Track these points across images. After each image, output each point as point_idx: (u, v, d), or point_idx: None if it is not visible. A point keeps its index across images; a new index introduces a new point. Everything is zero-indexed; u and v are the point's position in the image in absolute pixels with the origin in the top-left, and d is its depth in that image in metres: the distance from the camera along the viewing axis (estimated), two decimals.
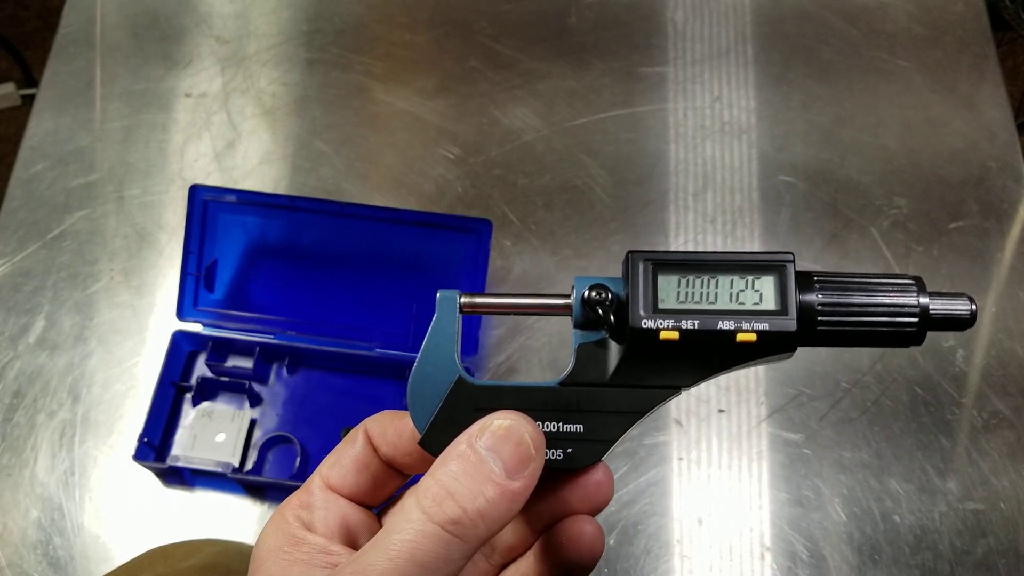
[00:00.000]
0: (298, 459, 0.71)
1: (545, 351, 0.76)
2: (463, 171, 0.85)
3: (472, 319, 0.71)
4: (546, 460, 0.34)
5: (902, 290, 0.33)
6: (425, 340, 0.35)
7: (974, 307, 0.34)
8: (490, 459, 0.32)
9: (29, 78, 1.78)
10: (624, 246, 0.81)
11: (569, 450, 0.35)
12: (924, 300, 0.33)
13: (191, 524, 0.70)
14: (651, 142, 0.87)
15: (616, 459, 0.72)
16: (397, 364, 0.73)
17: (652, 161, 0.86)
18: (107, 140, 0.87)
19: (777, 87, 0.90)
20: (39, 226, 0.82)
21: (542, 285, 0.79)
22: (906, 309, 0.33)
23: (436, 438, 0.34)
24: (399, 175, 0.85)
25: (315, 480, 0.37)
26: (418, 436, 0.35)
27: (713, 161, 0.86)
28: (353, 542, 0.35)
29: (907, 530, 0.69)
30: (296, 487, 0.73)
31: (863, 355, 0.76)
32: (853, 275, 0.34)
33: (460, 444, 0.32)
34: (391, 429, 0.36)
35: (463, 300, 0.36)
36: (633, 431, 0.76)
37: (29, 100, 1.74)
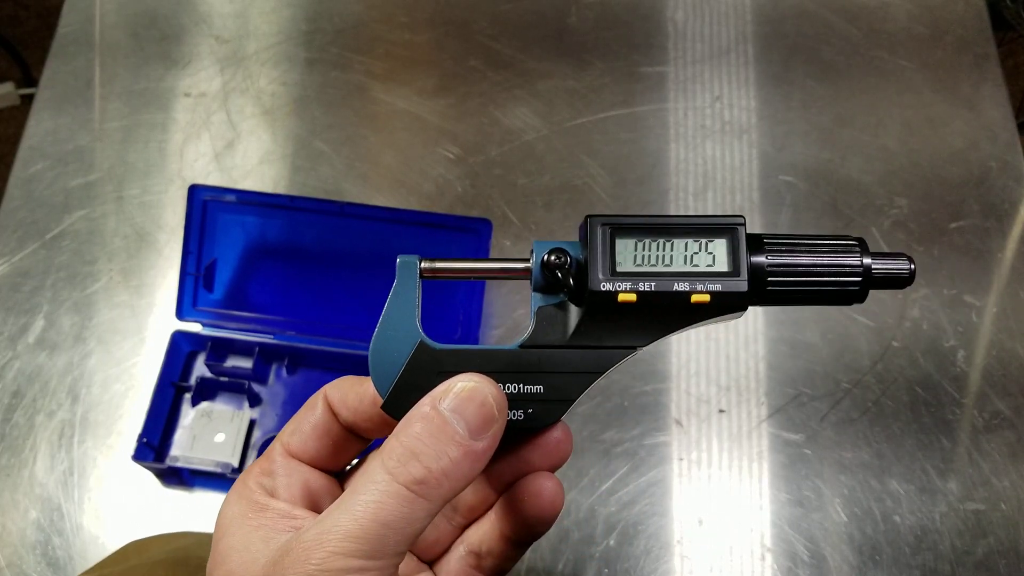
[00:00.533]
0: None
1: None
2: (463, 171, 0.85)
3: (472, 320, 0.71)
4: (508, 421, 0.35)
5: (846, 251, 0.35)
6: (386, 306, 0.36)
7: (912, 266, 0.36)
8: (454, 420, 0.32)
9: (28, 78, 1.78)
10: None
11: (530, 410, 0.35)
12: (867, 260, 0.35)
13: (190, 524, 0.69)
14: (651, 142, 0.87)
15: (616, 459, 0.72)
16: None
17: (652, 161, 0.86)
18: (106, 140, 0.87)
19: (777, 87, 0.90)
20: (38, 226, 0.82)
21: None
22: (850, 269, 0.35)
23: (399, 402, 0.34)
24: (399, 175, 0.85)
25: (276, 447, 0.37)
26: (379, 401, 0.35)
27: (713, 161, 0.86)
28: (316, 507, 0.36)
29: (908, 530, 0.69)
30: None
31: (863, 355, 0.76)
32: (800, 236, 0.35)
33: (424, 406, 0.33)
34: (352, 394, 0.37)
35: (423, 265, 0.36)
36: (633, 431, 0.76)
37: (28, 100, 1.74)
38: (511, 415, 0.35)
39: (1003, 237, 0.82)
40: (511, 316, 0.77)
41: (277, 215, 0.72)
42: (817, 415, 0.73)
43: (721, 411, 0.74)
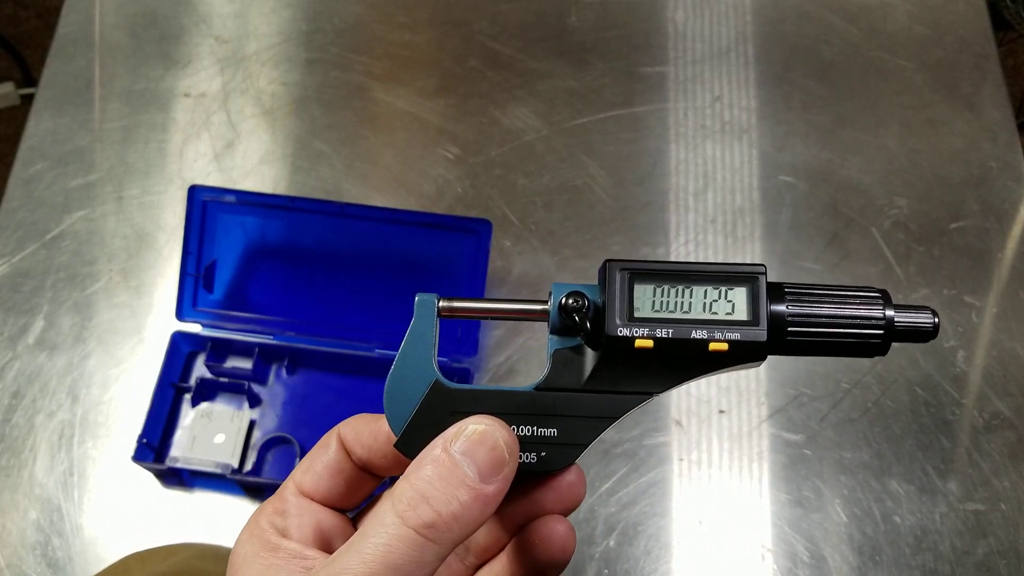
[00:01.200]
0: (297, 460, 0.70)
1: (545, 351, 0.76)
2: (463, 171, 0.85)
3: (472, 321, 0.71)
4: (520, 463, 0.34)
5: (869, 302, 0.34)
6: (403, 343, 0.36)
7: (936, 320, 0.35)
8: (464, 463, 0.32)
9: (28, 78, 1.78)
10: (624, 246, 0.81)
11: (543, 453, 0.35)
12: (889, 313, 0.34)
13: (190, 525, 0.70)
14: (651, 142, 0.87)
15: (616, 460, 0.72)
16: None
17: (652, 161, 0.86)
18: (106, 140, 0.87)
19: (778, 87, 0.90)
20: (38, 226, 0.82)
21: (542, 285, 0.79)
22: (872, 321, 0.34)
23: (412, 441, 0.34)
24: (399, 175, 0.85)
25: (288, 486, 0.37)
26: (393, 438, 0.35)
27: (713, 161, 0.86)
28: (328, 547, 0.36)
29: (908, 531, 0.69)
30: None
31: None
32: (822, 287, 0.35)
33: (435, 448, 0.32)
34: (366, 432, 0.37)
35: (441, 304, 0.36)
36: (634, 431, 0.76)
37: (28, 100, 1.74)
38: (524, 458, 0.35)
39: (1003, 237, 0.82)
40: (508, 329, 0.77)
41: (277, 215, 0.72)
42: (817, 415, 0.73)
43: (721, 411, 0.74)
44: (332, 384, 0.74)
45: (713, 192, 0.84)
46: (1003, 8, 1.39)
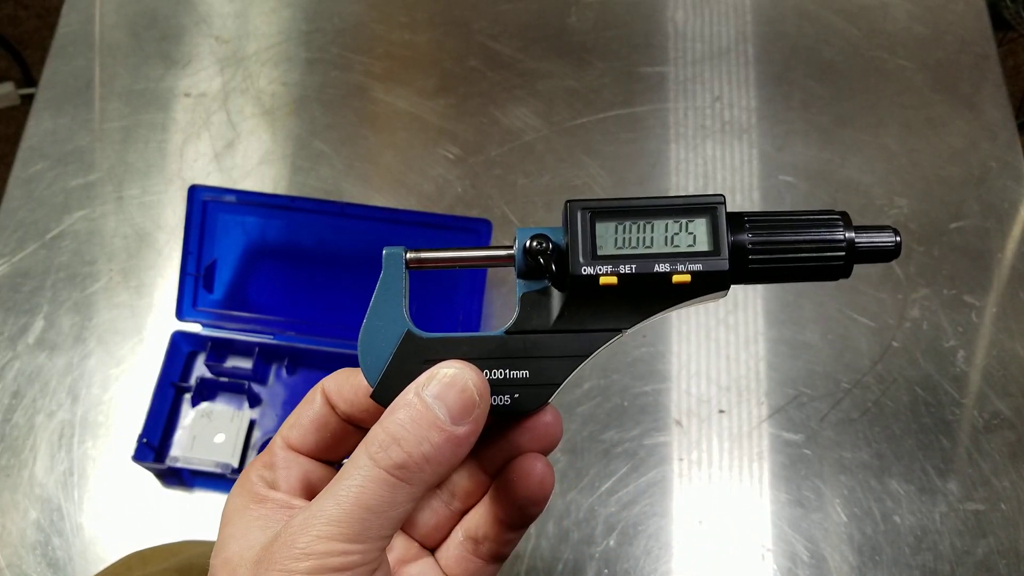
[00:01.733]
0: None
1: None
2: (463, 171, 0.85)
3: (472, 320, 0.71)
4: (494, 406, 0.35)
5: (829, 225, 0.35)
6: (373, 296, 0.36)
7: (898, 238, 0.35)
8: (436, 406, 0.33)
9: (28, 77, 1.78)
10: None
11: (516, 395, 0.36)
12: (850, 235, 0.35)
13: (190, 525, 0.70)
14: (651, 142, 0.87)
15: (616, 460, 0.72)
16: None
17: (652, 161, 0.86)
18: (106, 140, 0.87)
19: (778, 87, 0.90)
20: (38, 226, 0.82)
21: None
22: (833, 244, 0.34)
23: (387, 391, 0.35)
24: (399, 175, 0.85)
25: (276, 441, 0.38)
26: (371, 391, 0.36)
27: (713, 161, 0.86)
28: (315, 496, 0.36)
29: (907, 531, 0.69)
30: None
31: (863, 355, 0.76)
32: (782, 213, 0.35)
33: (408, 394, 0.33)
34: (347, 386, 0.37)
35: (409, 256, 0.37)
36: (633, 431, 0.76)
37: (28, 100, 1.74)
38: (498, 400, 0.35)
39: (1003, 237, 0.82)
40: (511, 314, 0.77)
41: (277, 215, 0.72)
42: (817, 415, 0.73)
43: (721, 411, 0.74)
44: None
45: (713, 192, 0.84)
46: (1003, 8, 1.39)
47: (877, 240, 0.35)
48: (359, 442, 0.39)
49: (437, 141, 0.87)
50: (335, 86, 0.90)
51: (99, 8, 0.95)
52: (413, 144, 0.87)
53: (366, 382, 0.36)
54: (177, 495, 0.71)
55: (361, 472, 0.31)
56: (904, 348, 0.76)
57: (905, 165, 0.85)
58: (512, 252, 0.36)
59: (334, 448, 0.38)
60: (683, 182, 0.85)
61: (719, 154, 0.86)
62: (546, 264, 0.35)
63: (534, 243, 0.35)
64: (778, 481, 0.71)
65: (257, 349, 0.73)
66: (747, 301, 0.78)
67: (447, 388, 0.33)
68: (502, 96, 0.89)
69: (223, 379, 0.73)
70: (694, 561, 0.68)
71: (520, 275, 0.36)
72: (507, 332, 0.36)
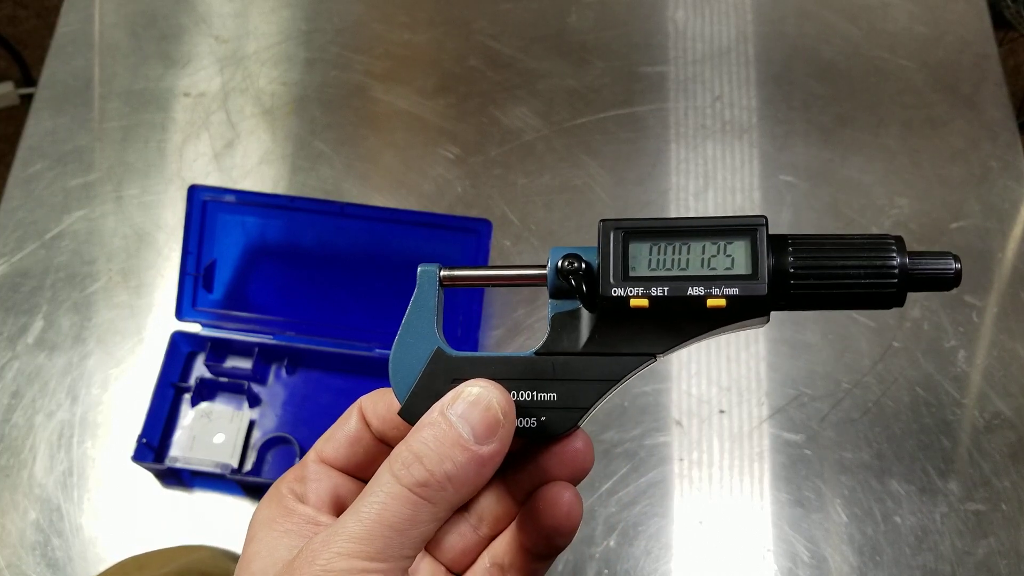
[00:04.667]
0: (297, 460, 0.70)
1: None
2: (463, 171, 0.85)
3: (472, 320, 0.71)
4: (520, 428, 0.34)
5: (881, 249, 0.32)
6: (407, 313, 0.36)
7: (958, 265, 0.32)
8: (460, 425, 0.32)
9: (27, 77, 1.78)
10: None
11: (543, 418, 0.35)
12: (904, 260, 0.32)
13: (190, 525, 0.69)
14: (651, 141, 0.87)
15: (616, 460, 0.71)
16: None
17: (652, 161, 0.86)
18: (106, 140, 0.87)
19: (778, 86, 0.90)
20: (37, 226, 0.82)
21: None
22: (885, 270, 0.32)
23: (415, 408, 0.34)
24: (399, 175, 0.85)
25: (310, 455, 0.38)
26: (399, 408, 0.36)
27: (714, 160, 0.86)
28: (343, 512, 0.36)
29: (908, 531, 0.69)
30: None
31: (864, 355, 0.76)
32: (831, 236, 0.33)
33: (433, 412, 0.33)
34: (382, 403, 0.37)
35: (443, 273, 0.36)
36: (634, 431, 0.76)
37: (27, 99, 1.74)
38: (524, 423, 0.35)
39: (1004, 237, 0.82)
40: (511, 316, 0.77)
41: (277, 215, 0.72)
42: (817, 415, 0.73)
43: (721, 411, 0.74)
44: (332, 384, 0.74)
45: (713, 192, 0.84)
46: (1004, 8, 1.39)
47: (934, 267, 0.32)
48: None
49: (437, 141, 0.86)
50: (335, 86, 0.90)
51: (98, 8, 0.95)
52: (413, 144, 0.87)
53: None
54: (176, 495, 0.71)
55: (384, 489, 0.31)
56: (905, 348, 0.76)
57: (906, 165, 0.85)
58: (544, 272, 0.36)
59: (366, 465, 0.38)
60: (683, 182, 0.85)
61: (719, 154, 0.86)
62: (577, 284, 0.34)
63: (566, 263, 0.34)
64: (778, 481, 0.71)
65: (257, 349, 0.73)
66: None
67: (472, 407, 0.33)
68: (502, 96, 0.89)
69: (223, 379, 0.73)
70: (694, 561, 0.68)
71: (552, 295, 0.36)
72: (536, 353, 0.35)
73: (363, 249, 0.73)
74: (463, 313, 0.71)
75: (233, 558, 0.59)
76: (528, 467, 0.37)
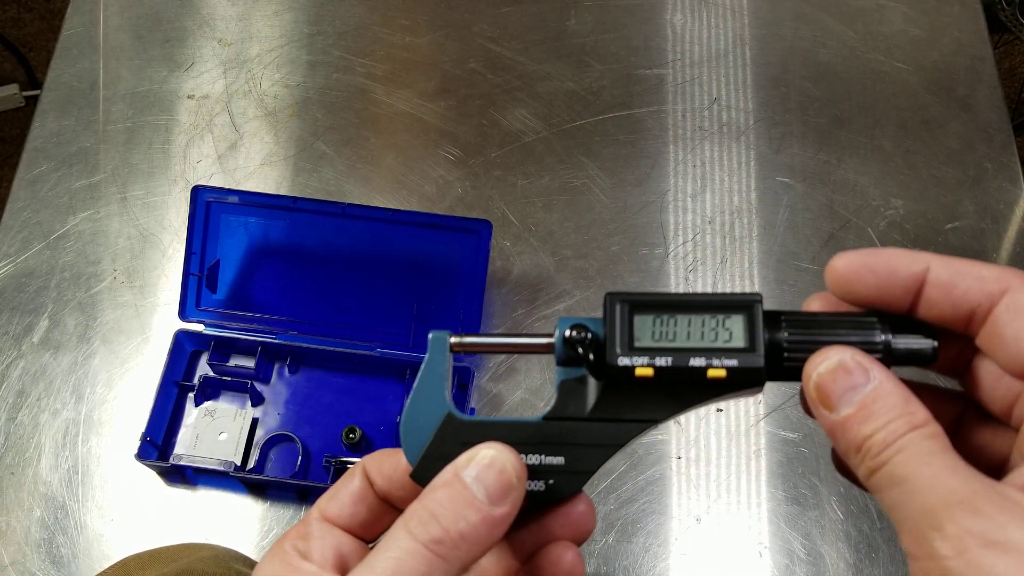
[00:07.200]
0: (300, 458, 0.71)
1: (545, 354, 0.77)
2: (463, 172, 0.86)
3: (472, 320, 0.71)
4: (530, 491, 0.36)
5: (866, 328, 0.34)
6: (418, 378, 0.37)
7: (935, 344, 0.34)
8: (474, 486, 0.33)
9: (32, 80, 1.79)
10: (623, 247, 0.82)
11: (551, 481, 0.36)
12: (886, 337, 0.34)
13: (193, 523, 0.70)
14: (650, 143, 0.88)
15: (615, 458, 0.72)
16: (398, 364, 0.73)
17: (651, 162, 0.87)
18: (110, 141, 0.88)
19: (775, 89, 0.91)
20: (43, 227, 0.83)
21: (541, 286, 0.80)
22: (869, 346, 0.34)
23: (426, 471, 0.35)
24: (400, 176, 0.86)
25: (313, 513, 0.38)
26: (410, 470, 0.36)
27: (711, 162, 0.87)
28: (346, 571, 0.37)
29: None
30: (297, 485, 0.73)
31: None
32: (819, 314, 0.35)
33: (447, 473, 0.34)
34: (387, 463, 0.38)
35: (453, 340, 0.37)
36: None
37: (32, 101, 1.75)
38: (533, 485, 0.36)
39: (998, 238, 0.82)
40: (511, 316, 0.78)
41: (279, 216, 0.73)
42: None
43: (719, 410, 0.74)
44: (334, 383, 0.75)
45: (711, 193, 0.85)
46: (999, 10, 1.39)
47: (914, 345, 0.35)
48: (392, 522, 0.39)
49: (438, 142, 0.87)
50: (337, 88, 0.91)
51: (103, 11, 0.96)
52: (414, 145, 0.87)
53: (405, 461, 0.37)
54: (180, 493, 0.71)
55: (399, 544, 0.32)
56: None
57: (901, 166, 0.86)
58: (552, 341, 0.37)
59: (369, 525, 0.38)
60: (681, 183, 0.85)
61: (717, 155, 0.87)
62: (584, 353, 0.35)
63: (573, 332, 0.36)
64: (775, 479, 0.72)
65: (260, 348, 0.74)
66: None
67: (486, 469, 0.34)
68: (502, 98, 0.90)
69: (226, 378, 0.74)
70: (692, 558, 0.69)
71: (559, 363, 0.37)
72: (544, 418, 0.37)
73: (365, 249, 0.73)
74: (463, 312, 0.72)
75: (236, 557, 0.60)
76: (532, 527, 0.38)
